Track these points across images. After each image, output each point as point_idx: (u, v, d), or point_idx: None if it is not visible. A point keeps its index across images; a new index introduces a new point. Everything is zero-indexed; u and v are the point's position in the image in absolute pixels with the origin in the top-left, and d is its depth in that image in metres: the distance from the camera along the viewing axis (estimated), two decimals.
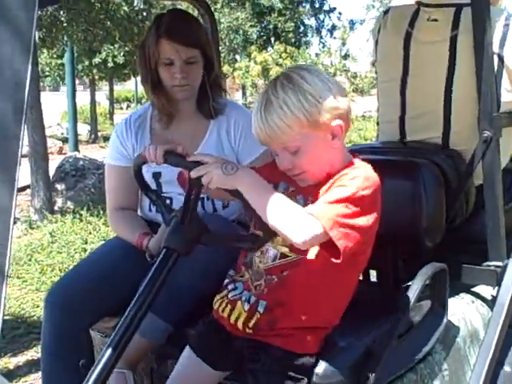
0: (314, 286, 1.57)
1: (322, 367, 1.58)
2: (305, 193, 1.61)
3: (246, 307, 1.63)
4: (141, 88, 36.16)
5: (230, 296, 1.69)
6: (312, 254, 1.57)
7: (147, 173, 2.07)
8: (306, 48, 21.68)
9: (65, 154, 13.04)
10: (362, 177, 1.52)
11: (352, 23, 24.04)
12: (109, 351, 1.47)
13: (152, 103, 2.28)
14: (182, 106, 2.24)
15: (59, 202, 8.05)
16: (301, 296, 1.58)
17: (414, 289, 1.74)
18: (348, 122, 1.59)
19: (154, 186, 2.12)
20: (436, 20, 2.25)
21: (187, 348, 1.75)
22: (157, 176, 2.19)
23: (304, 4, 23.89)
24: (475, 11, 1.91)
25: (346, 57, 18.37)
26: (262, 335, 1.61)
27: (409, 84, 2.30)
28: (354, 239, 1.47)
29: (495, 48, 2.10)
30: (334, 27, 24.02)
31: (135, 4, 8.81)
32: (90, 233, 6.02)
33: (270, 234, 1.54)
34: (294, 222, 1.45)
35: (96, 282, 2.06)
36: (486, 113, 1.93)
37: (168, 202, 2.15)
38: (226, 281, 1.74)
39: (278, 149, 1.57)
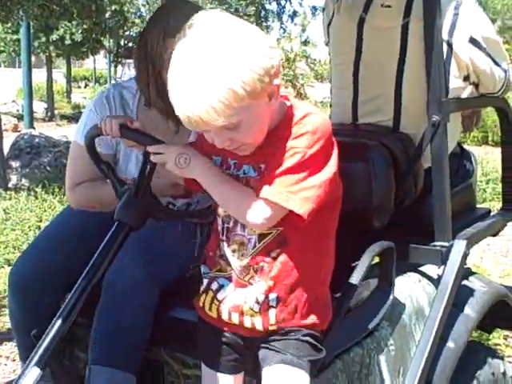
0: (307, 250, 1.50)
1: None
2: (251, 161, 1.48)
3: (257, 308, 1.51)
4: (99, 67, 35.34)
5: (219, 297, 1.55)
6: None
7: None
8: (267, 33, 21.62)
9: (19, 131, 12.81)
10: (308, 134, 1.39)
11: (314, 9, 24.07)
12: (58, 323, 1.48)
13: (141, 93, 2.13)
14: None
15: (14, 179, 7.93)
16: (301, 267, 1.49)
17: (361, 266, 1.79)
18: (280, 74, 1.41)
19: None
20: (389, 6, 2.29)
21: (207, 369, 1.64)
22: None
23: None
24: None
25: (306, 43, 18.39)
26: (284, 325, 1.52)
27: (361, 68, 2.35)
28: (316, 198, 1.39)
29: (444, 35, 2.15)
30: (294, 13, 24.00)
31: None
32: (45, 210, 5.96)
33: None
34: (247, 209, 1.40)
35: (58, 257, 2.06)
36: (435, 98, 1.98)
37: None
38: (205, 280, 1.60)
39: (214, 129, 1.38)
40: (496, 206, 6.32)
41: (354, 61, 2.35)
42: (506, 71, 2.30)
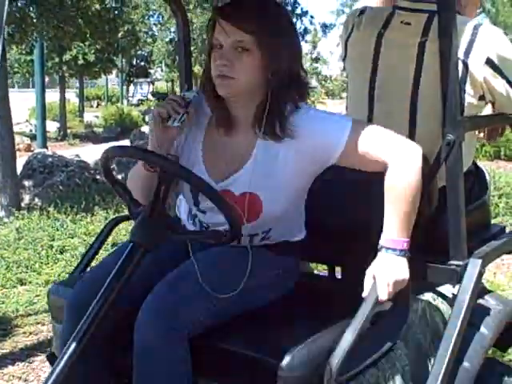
0: None
1: (286, 360, 1.61)
2: None
3: None
4: (111, 86, 35.72)
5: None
6: None
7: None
8: None
9: (33, 151, 12.90)
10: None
11: (325, 27, 24.21)
12: (73, 346, 1.48)
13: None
14: (236, 113, 1.84)
15: (26, 198, 7.98)
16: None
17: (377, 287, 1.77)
18: None
19: (191, 200, 1.89)
20: (409, 24, 2.29)
21: None
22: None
23: None
24: (442, 19, 1.95)
25: (316, 60, 18.45)
26: None
27: (377, 84, 2.34)
28: None
29: (460, 55, 2.14)
30: (305, 31, 24.16)
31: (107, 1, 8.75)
32: (57, 229, 5.98)
33: (238, 228, 1.57)
34: None
35: None
36: (451, 117, 1.97)
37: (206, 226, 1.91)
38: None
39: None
40: (509, 220, 6.30)
41: (370, 77, 2.34)
42: None
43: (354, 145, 1.76)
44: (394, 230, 1.82)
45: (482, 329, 2.11)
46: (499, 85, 2.22)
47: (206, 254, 1.83)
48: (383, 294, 1.73)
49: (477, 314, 2.09)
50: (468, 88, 2.21)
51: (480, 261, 2.05)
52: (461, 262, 2.05)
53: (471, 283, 2.01)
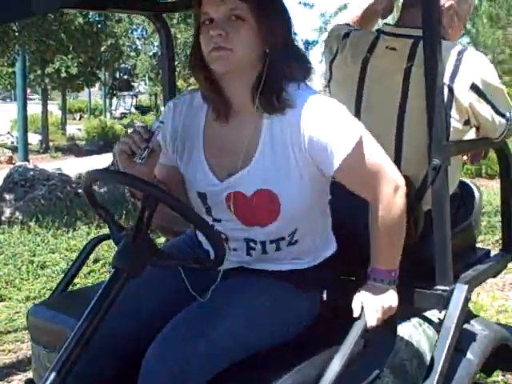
0: None
1: None
2: None
3: None
4: (94, 99, 35.49)
5: None
6: None
7: (191, 192, 1.80)
8: None
9: (14, 163, 12.78)
10: None
11: (308, 44, 24.30)
12: (52, 375, 1.44)
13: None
14: (232, 93, 1.69)
15: (7, 212, 7.88)
16: None
17: (363, 316, 1.75)
18: None
19: (202, 210, 1.79)
20: (394, 49, 2.28)
21: None
22: (202, 197, 1.78)
23: None
24: (427, 44, 1.96)
25: None
26: None
27: (362, 109, 2.33)
28: None
29: (446, 80, 2.14)
30: None
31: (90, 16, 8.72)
32: (38, 245, 5.91)
33: (222, 253, 1.55)
34: None
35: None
36: (436, 141, 1.97)
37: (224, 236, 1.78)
38: None
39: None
40: (491, 239, 6.32)
41: (355, 101, 2.34)
42: (508, 120, 2.28)
43: (347, 168, 1.65)
44: (383, 260, 1.81)
45: (469, 355, 2.10)
46: (484, 110, 2.22)
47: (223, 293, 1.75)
48: (371, 321, 1.72)
49: (463, 340, 2.08)
50: (454, 113, 2.21)
51: (466, 286, 2.04)
52: (447, 288, 2.04)
53: (457, 309, 2.00)
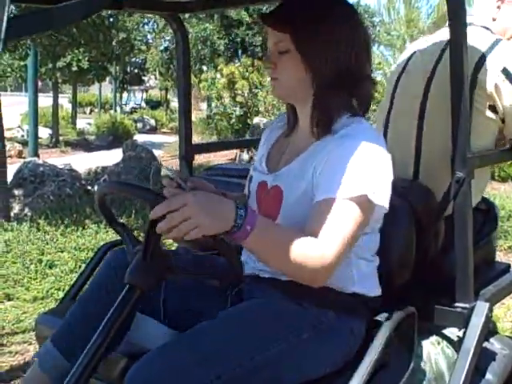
0: None
1: None
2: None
3: None
4: (104, 93, 35.72)
5: None
6: None
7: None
8: None
9: (24, 157, 12.79)
10: None
11: None
12: None
13: None
14: (300, 115, 1.84)
15: (16, 208, 7.86)
16: None
17: (383, 334, 1.70)
18: None
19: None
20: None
21: None
22: (249, 181, 1.95)
23: None
24: (453, 52, 1.90)
25: None
26: None
27: (390, 119, 2.33)
28: None
29: (472, 65, 2.13)
30: None
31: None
32: (47, 243, 5.86)
33: (239, 271, 1.50)
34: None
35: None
36: (460, 154, 1.91)
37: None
38: None
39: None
40: (503, 245, 6.24)
41: (386, 115, 2.34)
42: None
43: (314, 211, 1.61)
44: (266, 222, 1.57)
45: (488, 375, 2.04)
46: (508, 91, 2.16)
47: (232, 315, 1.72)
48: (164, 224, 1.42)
49: (482, 359, 2.02)
50: (476, 96, 2.15)
51: (487, 304, 1.99)
52: (467, 305, 1.99)
53: (478, 328, 1.95)
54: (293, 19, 1.67)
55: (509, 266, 2.51)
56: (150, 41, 29.37)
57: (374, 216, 1.71)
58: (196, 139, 13.70)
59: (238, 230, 1.44)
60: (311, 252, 1.52)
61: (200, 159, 11.48)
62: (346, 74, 1.69)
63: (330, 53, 1.67)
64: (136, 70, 37.05)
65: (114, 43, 15.08)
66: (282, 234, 1.56)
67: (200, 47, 21.98)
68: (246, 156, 12.19)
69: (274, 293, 1.76)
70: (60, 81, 19.32)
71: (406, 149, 2.25)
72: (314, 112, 1.73)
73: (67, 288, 2.71)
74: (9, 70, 19.04)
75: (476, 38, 2.16)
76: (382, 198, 1.63)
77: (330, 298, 1.75)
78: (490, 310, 1.99)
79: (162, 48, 27.98)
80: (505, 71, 2.17)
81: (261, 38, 22.56)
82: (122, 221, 1.73)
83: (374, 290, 1.84)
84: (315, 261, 1.52)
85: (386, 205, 1.66)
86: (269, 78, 1.84)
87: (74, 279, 2.56)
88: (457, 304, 2.00)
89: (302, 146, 1.77)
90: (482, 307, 1.98)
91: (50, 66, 17.26)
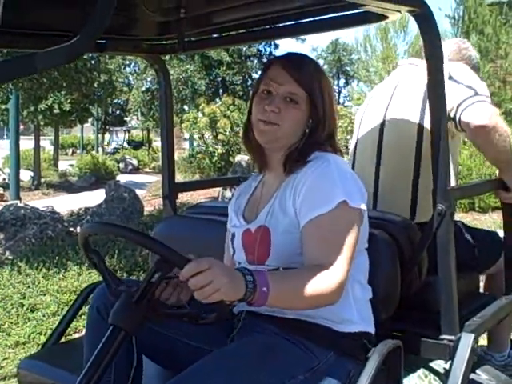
0: None
1: None
2: None
3: None
4: (86, 134, 35.70)
5: None
6: None
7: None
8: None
9: (6, 200, 12.70)
10: None
11: None
12: None
13: None
14: (270, 157, 1.92)
15: None
16: None
17: (369, 368, 1.69)
18: None
19: (231, 252, 1.97)
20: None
21: None
22: (232, 239, 1.97)
23: (252, 58, 24.32)
24: (431, 88, 1.94)
25: None
26: None
27: (382, 160, 2.42)
28: None
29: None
30: None
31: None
32: (29, 286, 5.78)
33: (225, 310, 1.49)
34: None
35: None
36: (441, 187, 1.94)
37: None
38: None
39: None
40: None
41: (376, 151, 2.45)
42: (476, 93, 2.31)
43: (306, 233, 1.70)
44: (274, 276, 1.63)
45: None
46: (449, 85, 2.22)
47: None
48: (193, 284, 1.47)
49: None
50: None
51: (472, 335, 1.99)
52: (453, 337, 1.99)
53: (464, 359, 1.94)
54: (313, 80, 1.82)
55: (494, 296, 2.52)
56: (132, 82, 29.56)
57: (363, 235, 1.80)
58: (179, 178, 13.69)
59: (253, 295, 1.48)
60: (322, 281, 1.59)
61: (182, 198, 11.46)
62: (332, 129, 1.88)
63: (328, 112, 1.85)
64: (118, 111, 37.18)
65: (95, 85, 15.15)
66: (293, 279, 1.62)
67: (181, 88, 22.14)
68: (228, 193, 12.19)
69: (273, 329, 1.77)
70: (42, 123, 19.29)
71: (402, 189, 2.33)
72: (291, 154, 1.82)
73: (49, 332, 2.68)
74: None
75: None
76: (359, 200, 1.71)
77: (332, 338, 1.76)
78: (476, 340, 1.99)
79: (143, 89, 28.15)
80: (450, 78, 2.30)
81: (241, 77, 22.83)
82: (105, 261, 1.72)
83: (371, 325, 1.86)
84: (328, 286, 1.60)
85: (364, 206, 1.75)
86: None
87: (57, 322, 2.53)
88: (442, 336, 2.00)
89: (276, 184, 1.87)
90: (467, 338, 1.97)
91: (32, 108, 17.24)
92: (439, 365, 2.11)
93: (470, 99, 2.30)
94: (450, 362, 1.97)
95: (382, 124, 2.48)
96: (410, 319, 2.12)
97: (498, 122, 2.28)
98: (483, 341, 3.00)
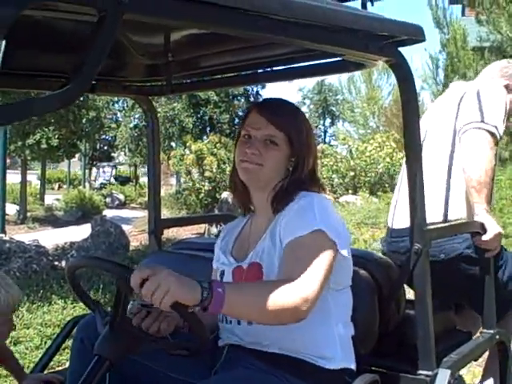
0: None
1: None
2: None
3: None
4: (73, 169, 35.44)
5: None
6: None
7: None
8: None
9: None
10: None
11: None
12: None
13: None
14: (256, 199, 2.00)
15: None
16: None
17: None
18: None
19: None
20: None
21: None
22: (221, 276, 1.99)
23: (239, 98, 24.60)
24: (407, 135, 2.03)
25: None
26: None
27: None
28: None
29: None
30: None
31: None
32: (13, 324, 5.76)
33: (206, 340, 1.54)
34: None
35: None
36: (418, 227, 2.01)
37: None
38: None
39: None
40: None
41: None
42: (492, 131, 2.63)
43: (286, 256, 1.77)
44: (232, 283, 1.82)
45: None
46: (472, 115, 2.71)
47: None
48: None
49: None
50: None
51: (449, 371, 2.04)
52: (430, 372, 2.03)
53: None
54: (290, 121, 1.91)
55: (469, 333, 2.58)
56: (120, 119, 29.74)
57: (346, 272, 1.88)
58: (166, 214, 13.73)
59: (210, 297, 1.51)
60: (286, 294, 1.61)
61: (168, 233, 11.48)
62: (313, 170, 1.97)
63: (307, 152, 1.94)
64: (106, 147, 37.28)
65: (83, 121, 15.23)
66: (253, 287, 1.69)
67: (169, 125, 22.30)
68: (214, 229, 12.22)
69: (256, 363, 1.81)
70: (29, 158, 19.31)
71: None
72: (277, 194, 1.90)
73: (32, 365, 2.69)
74: None
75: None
76: (334, 235, 1.76)
77: (315, 373, 1.81)
78: (452, 376, 2.04)
79: (131, 125, 28.32)
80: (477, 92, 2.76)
81: (228, 116, 23.05)
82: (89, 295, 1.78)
83: (353, 361, 1.90)
84: (293, 300, 1.61)
85: (342, 246, 1.80)
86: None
87: (40, 356, 2.55)
88: (419, 371, 2.05)
89: (265, 223, 1.93)
90: (443, 374, 2.02)
91: (19, 143, 17.29)
92: None
93: (473, 124, 2.64)
94: None
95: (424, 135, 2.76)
96: (389, 355, 2.16)
97: (484, 150, 2.61)
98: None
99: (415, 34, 1.87)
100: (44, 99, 1.03)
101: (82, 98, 11.28)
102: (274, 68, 2.35)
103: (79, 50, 1.22)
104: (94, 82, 2.45)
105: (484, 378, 2.92)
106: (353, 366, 1.89)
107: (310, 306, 1.64)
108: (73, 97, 1.07)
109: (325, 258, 1.72)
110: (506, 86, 2.85)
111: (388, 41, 1.83)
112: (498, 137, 2.62)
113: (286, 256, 1.75)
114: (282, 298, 1.60)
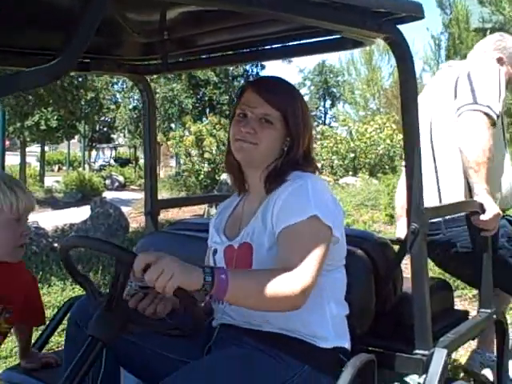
0: None
1: None
2: None
3: None
4: (73, 150, 35.38)
5: None
6: None
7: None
8: None
9: None
10: None
11: None
12: None
13: None
14: (250, 178, 1.99)
15: None
16: None
17: (343, 382, 1.73)
18: None
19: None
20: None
21: None
22: (213, 254, 2.00)
23: (239, 79, 24.51)
24: (404, 115, 2.01)
25: None
26: None
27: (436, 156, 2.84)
28: None
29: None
30: None
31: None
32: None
33: (203, 323, 1.53)
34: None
35: None
36: (415, 207, 1.99)
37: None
38: None
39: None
40: (468, 293, 6.28)
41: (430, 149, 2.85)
42: (485, 111, 2.61)
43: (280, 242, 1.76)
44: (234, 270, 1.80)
45: None
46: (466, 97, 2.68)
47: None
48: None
49: None
50: None
51: (445, 350, 2.04)
52: (426, 352, 2.03)
53: (437, 373, 1.99)
54: (286, 100, 1.89)
55: (466, 313, 2.58)
56: (119, 100, 29.63)
57: (339, 252, 1.86)
58: (165, 195, 13.72)
59: (213, 284, 1.53)
60: (286, 283, 1.63)
61: (168, 215, 11.48)
62: (308, 152, 1.96)
63: (303, 133, 1.92)
64: (105, 129, 37.20)
65: (82, 103, 15.17)
66: (255, 275, 1.70)
67: (168, 106, 22.23)
68: (213, 211, 12.23)
69: (250, 342, 1.81)
70: (28, 139, 19.28)
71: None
72: (271, 173, 1.89)
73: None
74: None
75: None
76: (329, 220, 1.76)
77: (308, 352, 1.80)
78: (449, 355, 2.04)
79: (130, 107, 28.23)
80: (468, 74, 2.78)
81: (227, 97, 22.96)
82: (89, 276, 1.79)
83: (347, 341, 1.90)
84: (291, 289, 1.63)
85: (337, 231, 1.79)
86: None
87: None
88: (416, 351, 2.04)
89: (258, 202, 1.92)
90: (440, 354, 2.02)
91: (18, 125, 17.25)
92: (413, 379, 2.15)
93: (467, 106, 2.64)
94: (423, 376, 2.02)
95: (431, 123, 2.83)
96: (385, 334, 2.16)
97: (480, 131, 2.60)
98: None
99: (414, 11, 1.84)
100: (31, 73, 1.01)
101: (80, 79, 11.22)
102: (273, 46, 2.33)
103: (68, 26, 1.20)
104: (88, 61, 2.43)
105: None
106: (347, 345, 1.89)
107: (307, 295, 1.66)
108: (60, 71, 1.05)
109: (320, 244, 1.72)
110: (499, 59, 2.84)
111: (387, 18, 1.81)
112: (494, 116, 2.60)
113: (282, 243, 1.75)
114: (281, 286, 1.62)
